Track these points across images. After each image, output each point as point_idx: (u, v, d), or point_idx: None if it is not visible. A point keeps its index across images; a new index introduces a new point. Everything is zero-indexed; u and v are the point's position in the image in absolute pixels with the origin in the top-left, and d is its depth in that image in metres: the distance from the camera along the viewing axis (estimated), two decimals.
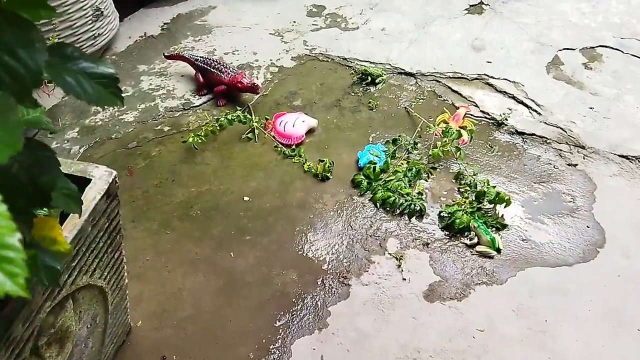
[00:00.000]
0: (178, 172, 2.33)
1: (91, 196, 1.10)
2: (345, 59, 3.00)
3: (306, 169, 2.29)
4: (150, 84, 2.89)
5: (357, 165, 2.31)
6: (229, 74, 2.61)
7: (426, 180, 2.23)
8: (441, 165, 2.30)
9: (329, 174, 2.25)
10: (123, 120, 2.64)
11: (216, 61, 2.69)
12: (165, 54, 2.92)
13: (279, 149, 2.40)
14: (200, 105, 2.72)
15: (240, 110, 2.62)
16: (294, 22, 3.38)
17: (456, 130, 2.28)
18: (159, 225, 2.10)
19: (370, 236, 2.01)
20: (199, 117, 2.63)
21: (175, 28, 3.40)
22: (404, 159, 2.32)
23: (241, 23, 3.40)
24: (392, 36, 3.16)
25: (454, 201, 2.12)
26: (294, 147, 2.41)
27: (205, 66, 2.68)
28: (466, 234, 1.98)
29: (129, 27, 3.41)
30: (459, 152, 2.23)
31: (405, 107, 2.64)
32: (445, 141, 2.25)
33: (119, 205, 1.23)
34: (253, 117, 2.57)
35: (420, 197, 2.13)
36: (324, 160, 2.29)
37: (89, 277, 1.20)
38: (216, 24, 3.41)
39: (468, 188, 2.14)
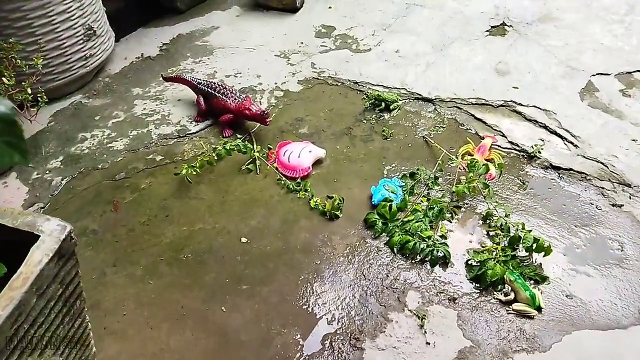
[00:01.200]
0: (169, 208, 2.12)
1: (36, 259, 0.87)
2: (357, 82, 2.81)
3: (313, 206, 2.06)
4: (144, 109, 2.70)
5: (370, 202, 2.08)
6: (235, 99, 2.42)
7: (450, 221, 1.99)
8: (466, 204, 2.06)
9: (338, 212, 2.02)
10: (112, 149, 2.44)
11: (221, 85, 2.51)
12: (164, 76, 2.75)
13: (283, 182, 2.19)
14: (197, 132, 2.52)
15: (240, 138, 2.42)
16: (302, 43, 3.21)
17: (483, 163, 2.05)
18: (144, 270, 1.87)
19: (387, 288, 1.76)
20: (195, 145, 2.43)
21: (175, 49, 3.24)
22: (423, 196, 2.09)
23: (245, 44, 3.24)
24: (407, 59, 2.98)
25: (483, 247, 1.87)
26: (299, 180, 2.19)
27: (210, 90, 2.50)
28: (500, 287, 1.73)
29: (125, 48, 3.26)
30: (487, 189, 2.00)
31: (424, 137, 2.42)
32: (471, 176, 2.02)
33: (77, 266, 1.00)
34: (254, 146, 2.37)
35: (443, 241, 1.88)
36: (332, 197, 2.07)
37: (38, 356, 0.97)
38: (218, 45, 3.25)
39: (499, 232, 1.89)
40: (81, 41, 2.72)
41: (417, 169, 2.19)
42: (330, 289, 1.77)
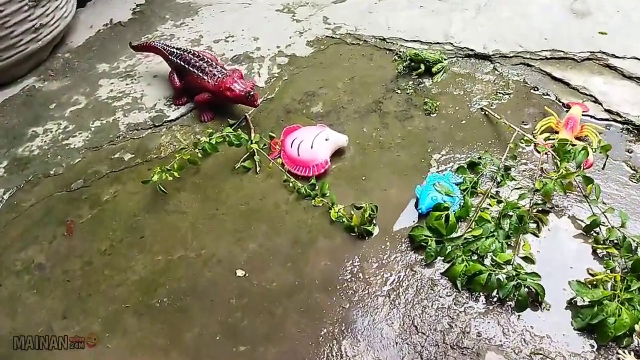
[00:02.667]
0: (139, 229, 1.60)
1: None
2: (384, 39, 2.19)
3: (334, 218, 1.52)
4: (111, 90, 2.16)
5: (415, 209, 1.52)
6: (214, 75, 1.85)
7: (535, 235, 1.42)
8: (557, 208, 1.48)
9: (371, 227, 1.47)
10: (68, 147, 1.92)
11: (198, 56, 1.93)
12: (132, 45, 2.18)
13: (292, 184, 1.63)
14: (177, 119, 1.97)
15: (232, 124, 1.87)
16: None
17: (581, 146, 1.44)
18: (103, 325, 1.37)
19: (452, 347, 1.22)
20: (175, 137, 1.89)
21: (151, 10, 2.66)
22: (491, 197, 1.51)
23: None
24: (448, 2, 2.33)
25: (592, 275, 1.30)
26: (313, 180, 1.64)
27: (182, 63, 1.93)
28: (627, 343, 1.16)
29: (91, 13, 2.69)
30: (590, 185, 1.40)
31: (483, 109, 1.82)
32: (564, 165, 1.42)
33: None
34: (252, 135, 1.81)
35: (531, 268, 1.32)
36: (361, 205, 1.51)
37: None
38: (205, 2, 2.65)
39: (614, 250, 1.31)
40: (26, 7, 2.16)
41: (479, 157, 1.61)
42: (366, 350, 1.24)
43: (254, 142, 1.76)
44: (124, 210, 1.66)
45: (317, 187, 1.62)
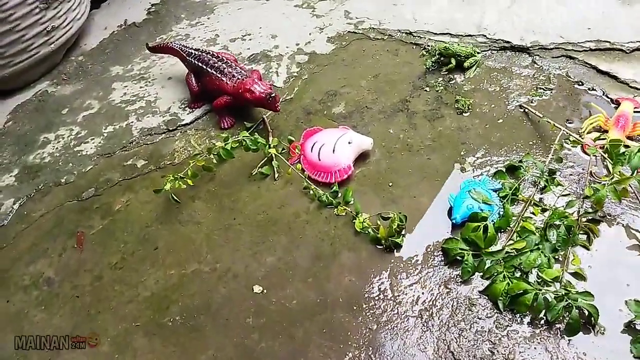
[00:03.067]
0: (151, 240, 1.52)
1: None
2: (411, 33, 2.06)
3: (359, 229, 1.40)
4: (125, 94, 2.10)
5: (448, 217, 1.40)
6: (233, 77, 1.76)
7: (586, 249, 1.27)
8: (610, 216, 1.33)
9: (399, 240, 1.35)
10: (80, 154, 1.86)
11: (216, 56, 1.84)
12: (149, 46, 2.11)
13: (312, 191, 1.53)
14: (191, 123, 1.89)
15: (249, 128, 1.78)
16: None
17: (630, 145, 1.29)
18: (112, 345, 1.30)
19: None
20: (189, 142, 1.81)
21: (166, 9, 2.59)
22: (535, 205, 1.37)
23: None
24: None
25: None
26: (335, 186, 1.53)
27: (200, 64, 1.84)
28: None
29: (105, 14, 2.65)
30: None
31: (522, 106, 1.67)
32: (619, 171, 1.27)
33: None
34: (270, 138, 1.71)
35: (582, 287, 1.18)
36: (389, 217, 1.39)
37: None
38: (221, 0, 2.57)
39: None
40: (37, 10, 2.12)
41: (520, 160, 1.47)
42: None
43: (272, 146, 1.66)
44: (136, 221, 1.59)
45: (340, 195, 1.51)
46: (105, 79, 2.21)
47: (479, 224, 1.28)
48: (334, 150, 1.58)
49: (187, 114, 1.93)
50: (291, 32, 2.23)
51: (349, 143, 1.58)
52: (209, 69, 1.80)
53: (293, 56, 2.10)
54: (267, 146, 1.63)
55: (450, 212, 1.39)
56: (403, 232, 1.37)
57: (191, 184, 1.56)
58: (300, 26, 2.25)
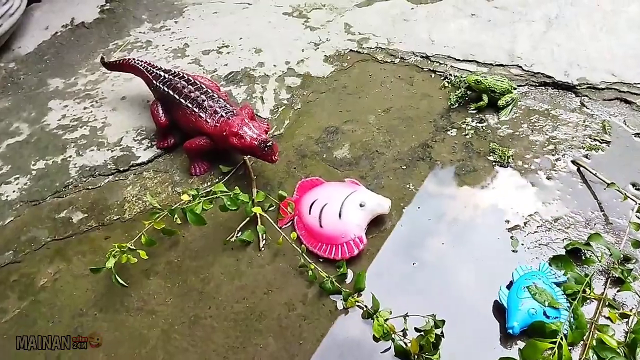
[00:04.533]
0: (86, 334, 1.13)
1: None
2: (428, 57, 1.74)
3: (379, 334, 1.05)
4: (64, 116, 1.68)
5: (495, 315, 1.06)
6: (215, 113, 1.37)
7: None
8: None
9: (436, 357, 1.00)
10: None
11: (193, 83, 1.45)
12: (105, 61, 1.69)
13: (311, 271, 1.17)
14: (148, 162, 1.50)
15: (225, 174, 1.40)
16: None
17: None
18: None
19: None
20: (145, 188, 1.42)
21: (123, 9, 2.18)
22: (610, 306, 1.06)
23: None
24: (508, 11, 1.88)
25: None
26: (343, 266, 1.17)
27: (171, 93, 1.44)
28: None
29: (48, 10, 2.21)
30: None
31: (575, 162, 1.36)
32: None
33: None
34: (253, 191, 1.35)
35: None
36: (423, 332, 1.04)
37: None
38: (192, 0, 2.18)
39: None
40: None
41: (587, 242, 1.15)
42: None
43: (255, 203, 1.29)
44: (67, 304, 1.19)
45: (349, 278, 1.16)
46: (41, 95, 1.78)
47: (550, 343, 0.95)
48: (340, 215, 1.23)
49: (144, 149, 1.53)
50: (280, 46, 1.86)
51: (361, 206, 1.23)
52: (183, 100, 1.41)
53: (282, 78, 1.73)
54: (250, 203, 1.26)
55: (500, 311, 1.07)
56: (438, 349, 1.02)
57: (144, 256, 1.18)
58: (290, 39, 1.89)
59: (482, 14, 1.87)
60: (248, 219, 1.29)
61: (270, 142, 1.26)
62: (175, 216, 1.22)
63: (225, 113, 1.35)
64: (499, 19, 1.84)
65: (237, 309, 1.14)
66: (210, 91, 1.42)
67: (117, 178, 1.46)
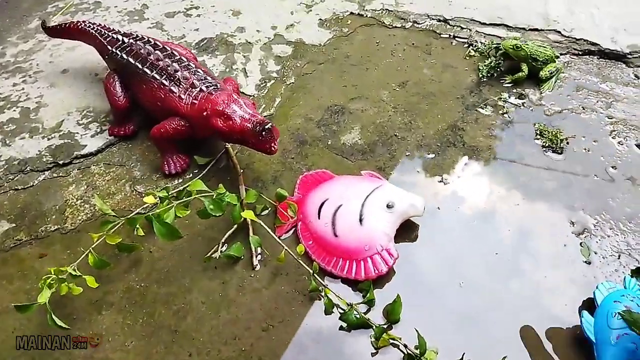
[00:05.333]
0: None
1: None
2: (446, 20, 1.45)
3: None
4: None
5: (585, 358, 0.80)
6: (193, 86, 1.03)
7: None
8: None
9: None
10: None
11: (161, 48, 1.11)
12: (46, 25, 1.32)
13: (326, 296, 0.87)
14: (98, 152, 1.16)
15: (201, 167, 1.09)
16: None
17: None
18: None
19: None
20: (96, 187, 1.08)
21: None
22: None
23: None
24: None
25: None
26: (367, 288, 0.88)
27: (133, 61, 1.10)
28: None
29: None
30: None
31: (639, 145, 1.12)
32: None
33: None
34: (242, 190, 1.03)
35: None
36: None
37: None
38: None
39: None
40: None
41: None
42: None
43: (245, 204, 0.98)
44: None
45: (377, 305, 0.87)
46: None
47: None
48: (361, 219, 0.94)
49: (92, 136, 1.19)
50: (262, 7, 1.54)
51: (389, 207, 0.94)
52: (148, 70, 1.07)
53: (268, 46, 1.41)
54: (239, 204, 0.95)
55: (586, 347, 0.80)
56: None
57: (94, 286, 0.85)
58: (275, 1, 1.56)
59: None
60: (235, 227, 0.98)
61: (269, 123, 0.94)
62: (137, 226, 0.90)
63: (206, 87, 1.02)
64: None
65: (226, 354, 0.84)
66: (185, 59, 1.09)
67: (55, 174, 1.12)
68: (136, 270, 0.94)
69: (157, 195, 0.88)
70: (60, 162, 1.13)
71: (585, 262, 0.93)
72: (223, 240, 0.97)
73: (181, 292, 0.92)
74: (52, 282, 0.82)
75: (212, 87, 1.02)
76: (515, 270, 0.92)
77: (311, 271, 0.89)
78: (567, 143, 1.12)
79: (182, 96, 1.02)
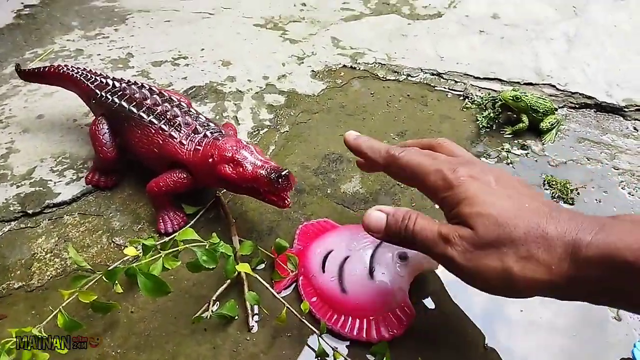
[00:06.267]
0: None
1: None
2: (440, 74, 1.45)
3: None
4: None
5: None
6: (196, 132, 0.95)
7: None
8: None
9: None
10: None
11: (157, 92, 1.04)
12: (21, 69, 1.23)
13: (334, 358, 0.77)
14: (72, 201, 1.05)
15: (192, 214, 1.00)
16: (304, 4, 1.83)
17: None
18: None
19: None
20: (69, 238, 0.97)
21: (47, 14, 1.76)
22: None
23: (191, 5, 1.82)
24: (520, 29, 1.66)
25: None
26: (383, 350, 0.78)
27: (127, 105, 1.01)
28: None
29: None
30: None
31: None
32: None
33: None
34: (234, 240, 0.94)
35: None
36: None
37: None
38: (138, 5, 1.81)
39: None
40: None
41: None
42: None
43: (238, 257, 0.89)
44: None
45: None
46: None
47: None
48: (372, 273, 0.85)
49: (67, 183, 1.09)
50: (253, 59, 1.52)
51: (402, 259, 0.86)
52: (145, 115, 0.98)
53: (260, 95, 1.37)
54: (231, 259, 0.85)
55: None
56: None
57: (63, 352, 0.73)
58: (266, 52, 1.55)
59: (492, 31, 1.64)
60: (228, 282, 0.88)
61: (286, 170, 0.85)
62: (116, 282, 0.79)
63: (211, 133, 0.94)
64: (512, 37, 1.61)
65: None
66: (185, 105, 1.02)
67: (22, 225, 1.00)
68: (112, 334, 0.82)
69: (143, 242, 0.77)
70: (30, 212, 1.02)
71: (615, 318, 0.86)
72: (214, 298, 0.86)
73: (165, 359, 0.79)
74: (10, 346, 0.69)
75: (217, 133, 0.95)
76: (548, 328, 0.84)
77: (317, 332, 0.79)
78: (578, 193, 1.09)
79: (184, 142, 0.94)
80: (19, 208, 1.03)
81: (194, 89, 1.38)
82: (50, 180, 1.09)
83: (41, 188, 1.07)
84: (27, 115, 1.29)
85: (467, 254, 0.62)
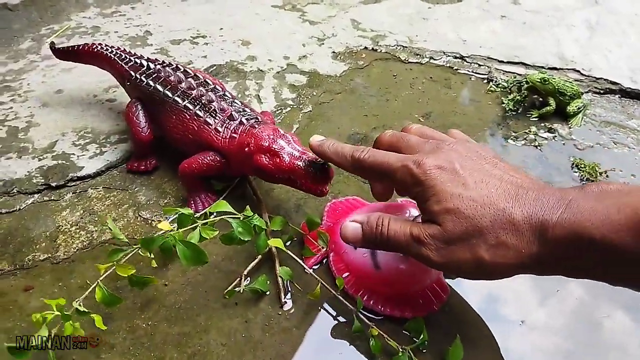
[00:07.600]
0: None
1: None
2: (463, 57, 1.44)
3: None
4: None
5: None
6: (232, 118, 0.92)
7: None
8: None
9: None
10: None
11: (193, 75, 1.01)
12: (55, 47, 1.19)
13: (373, 339, 0.75)
14: (97, 175, 1.04)
15: (220, 191, 0.99)
16: None
17: None
18: None
19: None
20: (94, 212, 0.95)
21: None
22: None
23: None
24: (541, 15, 1.65)
25: None
26: (419, 327, 0.76)
27: (162, 89, 0.98)
28: None
29: None
30: None
31: None
32: None
33: None
34: (265, 216, 0.93)
35: None
36: None
37: None
38: None
39: None
40: None
41: None
42: None
43: (270, 232, 0.88)
44: None
45: (431, 347, 0.76)
46: None
47: None
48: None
49: (90, 157, 1.07)
50: (273, 39, 1.50)
51: None
52: (180, 100, 0.95)
53: (282, 74, 1.36)
54: (263, 234, 0.83)
55: None
56: None
57: (103, 328, 0.71)
58: (286, 33, 1.53)
59: (513, 17, 1.62)
60: (259, 258, 0.87)
61: (325, 162, 0.83)
62: (151, 255, 0.78)
63: (247, 120, 0.92)
64: (533, 22, 1.60)
65: None
66: (220, 89, 0.99)
67: (46, 198, 0.98)
68: (143, 307, 0.81)
69: (181, 211, 0.76)
70: (53, 185, 1.00)
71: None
72: (245, 273, 0.85)
73: (196, 333, 0.78)
74: (53, 318, 0.67)
75: (254, 120, 0.92)
76: (578, 307, 0.83)
77: (356, 308, 0.78)
78: (607, 176, 1.08)
79: (219, 129, 0.91)
80: (42, 181, 1.01)
81: (214, 67, 1.36)
82: (73, 154, 1.07)
83: (64, 161, 1.06)
84: (45, 89, 1.27)
85: (440, 250, 0.64)
